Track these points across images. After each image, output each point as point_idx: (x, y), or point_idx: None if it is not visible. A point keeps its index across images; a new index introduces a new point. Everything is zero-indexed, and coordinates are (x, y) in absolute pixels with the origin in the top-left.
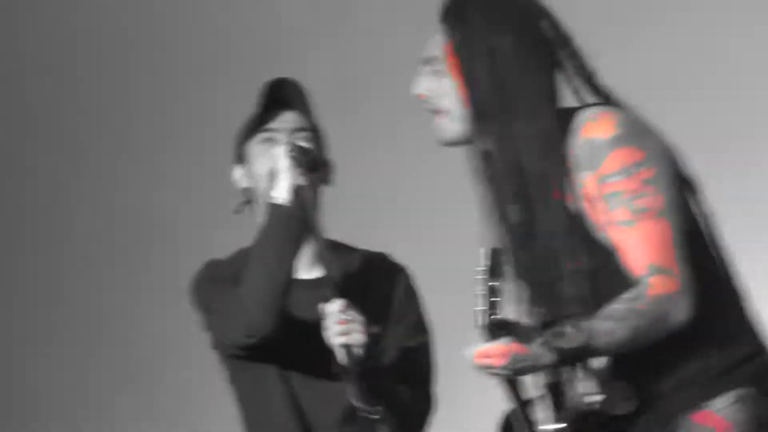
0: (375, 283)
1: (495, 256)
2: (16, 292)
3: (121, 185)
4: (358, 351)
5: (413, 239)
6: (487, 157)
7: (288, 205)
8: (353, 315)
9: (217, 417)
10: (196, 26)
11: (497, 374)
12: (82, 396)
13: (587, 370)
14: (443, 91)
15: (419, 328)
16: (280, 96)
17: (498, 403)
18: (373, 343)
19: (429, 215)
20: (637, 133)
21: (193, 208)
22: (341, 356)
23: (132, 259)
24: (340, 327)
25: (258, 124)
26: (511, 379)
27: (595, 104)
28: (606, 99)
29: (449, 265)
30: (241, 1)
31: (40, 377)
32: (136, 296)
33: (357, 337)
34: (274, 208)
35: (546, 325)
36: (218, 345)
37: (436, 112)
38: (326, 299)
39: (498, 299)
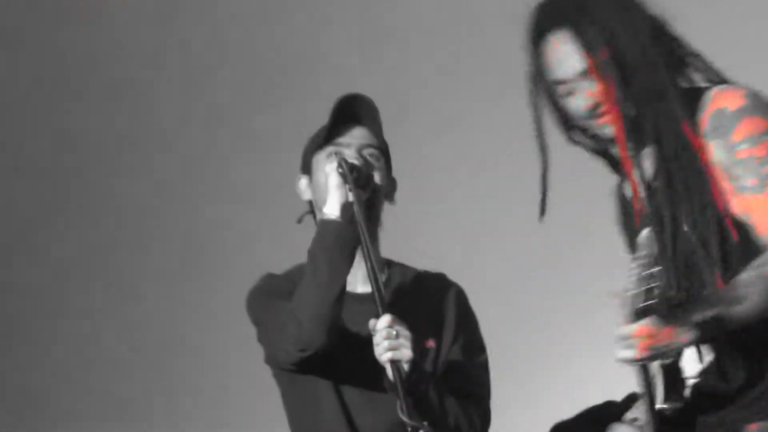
0: (431, 301)
1: (650, 242)
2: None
3: (180, 195)
4: (406, 366)
5: (462, 255)
6: (652, 138)
7: (338, 221)
8: (401, 331)
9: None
10: (249, 43)
11: (644, 357)
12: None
13: (703, 349)
14: (604, 95)
15: (475, 346)
16: (351, 111)
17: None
18: (422, 359)
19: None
20: (764, 105)
21: (257, 218)
22: (389, 371)
23: (195, 273)
24: (388, 342)
25: (327, 137)
26: (645, 363)
27: (718, 83)
28: (725, 80)
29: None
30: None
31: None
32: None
33: (405, 352)
34: (325, 224)
35: (684, 304)
36: (271, 358)
37: (604, 113)
38: (376, 315)
39: (652, 285)
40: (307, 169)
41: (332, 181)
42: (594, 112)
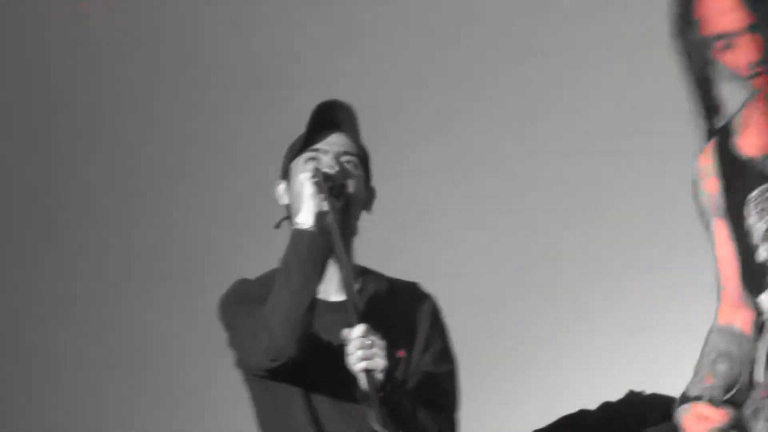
0: (403, 310)
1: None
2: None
3: (157, 200)
4: (379, 376)
5: (436, 266)
6: None
7: (311, 230)
8: (375, 340)
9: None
10: (226, 48)
11: None
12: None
13: None
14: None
15: (445, 356)
16: (330, 117)
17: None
18: (394, 369)
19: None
20: None
21: (234, 224)
22: (362, 381)
23: (165, 275)
24: (362, 352)
25: (305, 143)
26: None
27: None
28: None
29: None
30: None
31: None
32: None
33: (379, 362)
34: (297, 234)
35: None
36: (242, 364)
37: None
38: (350, 324)
39: None
40: (285, 174)
41: (306, 190)
42: (755, 67)
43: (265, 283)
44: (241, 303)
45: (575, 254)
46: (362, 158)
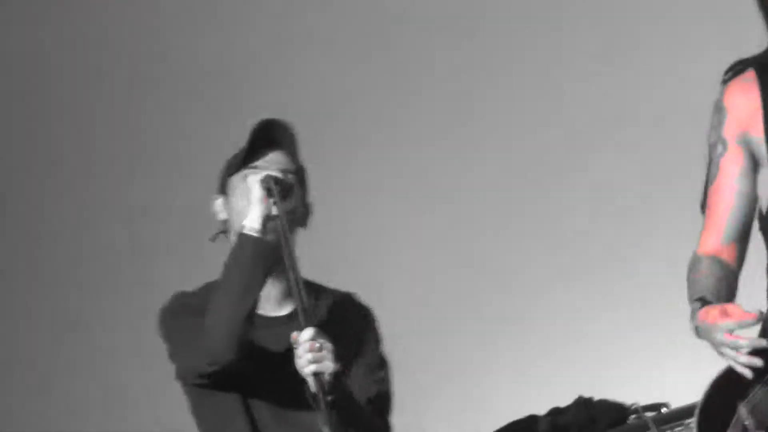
0: (341, 320)
1: None
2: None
3: (102, 209)
4: (329, 379)
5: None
6: None
7: (257, 234)
8: (324, 343)
9: None
10: (175, 53)
11: None
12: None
13: None
14: None
15: (381, 363)
16: (270, 135)
17: None
18: (342, 372)
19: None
20: None
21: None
22: (312, 385)
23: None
24: (312, 355)
25: (245, 160)
26: None
27: None
28: None
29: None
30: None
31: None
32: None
33: (327, 365)
34: (244, 237)
35: None
36: (181, 374)
37: None
38: (299, 328)
39: None
40: (222, 189)
41: (255, 194)
42: None
43: (204, 294)
44: (180, 314)
45: (523, 259)
46: (300, 176)
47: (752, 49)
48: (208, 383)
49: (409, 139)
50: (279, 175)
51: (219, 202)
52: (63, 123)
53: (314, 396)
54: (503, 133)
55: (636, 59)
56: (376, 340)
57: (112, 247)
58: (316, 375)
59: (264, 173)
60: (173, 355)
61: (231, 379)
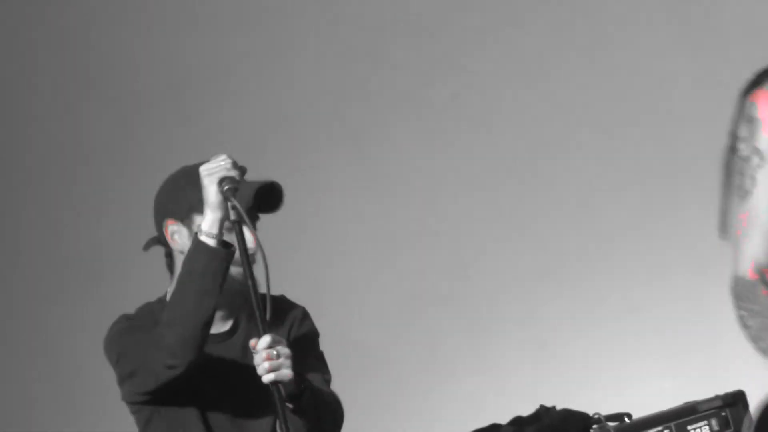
0: (279, 322)
1: None
2: None
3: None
4: (288, 386)
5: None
6: None
7: (214, 240)
8: (281, 350)
9: None
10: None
11: None
12: None
13: None
14: None
15: (321, 360)
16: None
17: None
18: (302, 379)
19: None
20: None
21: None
22: (272, 391)
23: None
24: (268, 363)
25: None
26: None
27: None
28: None
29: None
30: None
31: None
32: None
33: (285, 372)
34: (201, 243)
35: None
36: (132, 392)
37: None
38: (257, 334)
39: None
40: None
41: (211, 198)
42: None
43: (148, 312)
44: (128, 331)
45: (488, 268)
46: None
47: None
48: (162, 397)
49: (390, 138)
50: (237, 177)
51: (174, 228)
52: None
53: (273, 403)
54: (488, 132)
55: (623, 59)
56: (315, 337)
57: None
58: (275, 384)
59: (221, 175)
60: (124, 374)
61: (185, 394)
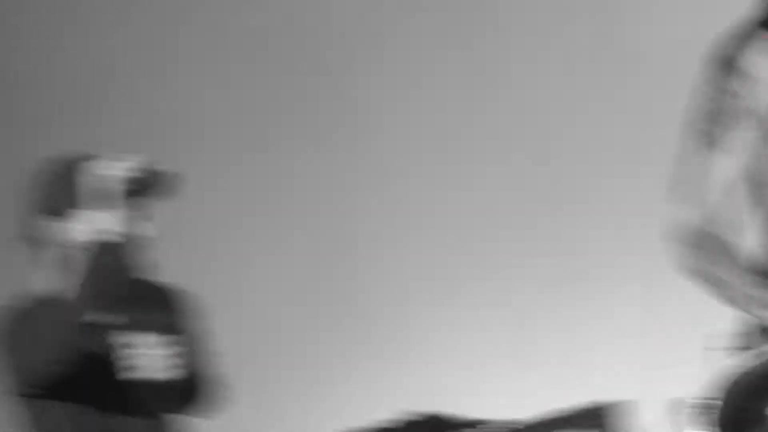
0: (163, 307)
1: None
2: None
3: None
4: (162, 383)
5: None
6: None
7: (111, 237)
8: (163, 348)
9: None
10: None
11: None
12: None
13: None
14: None
15: (203, 338)
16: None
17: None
18: (175, 375)
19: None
20: None
21: None
22: (145, 389)
23: None
24: (142, 360)
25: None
26: None
27: None
28: None
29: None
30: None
31: None
32: None
33: (167, 370)
34: (96, 242)
35: None
36: (21, 380)
37: None
38: (129, 332)
39: None
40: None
41: (109, 192)
42: None
43: (36, 303)
44: (20, 323)
45: (401, 265)
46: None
47: None
48: (47, 390)
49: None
50: (135, 174)
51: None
52: None
53: (146, 401)
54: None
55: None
56: (197, 318)
57: None
58: (149, 380)
59: (118, 172)
60: (20, 364)
61: (60, 387)
